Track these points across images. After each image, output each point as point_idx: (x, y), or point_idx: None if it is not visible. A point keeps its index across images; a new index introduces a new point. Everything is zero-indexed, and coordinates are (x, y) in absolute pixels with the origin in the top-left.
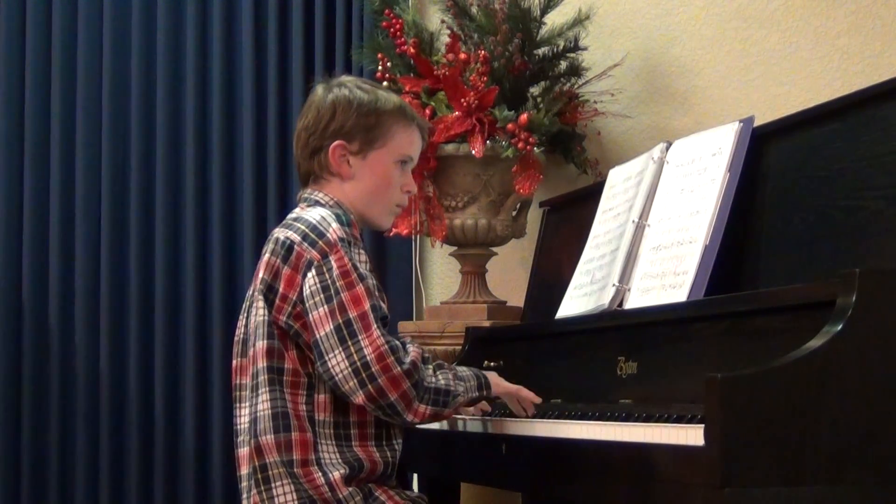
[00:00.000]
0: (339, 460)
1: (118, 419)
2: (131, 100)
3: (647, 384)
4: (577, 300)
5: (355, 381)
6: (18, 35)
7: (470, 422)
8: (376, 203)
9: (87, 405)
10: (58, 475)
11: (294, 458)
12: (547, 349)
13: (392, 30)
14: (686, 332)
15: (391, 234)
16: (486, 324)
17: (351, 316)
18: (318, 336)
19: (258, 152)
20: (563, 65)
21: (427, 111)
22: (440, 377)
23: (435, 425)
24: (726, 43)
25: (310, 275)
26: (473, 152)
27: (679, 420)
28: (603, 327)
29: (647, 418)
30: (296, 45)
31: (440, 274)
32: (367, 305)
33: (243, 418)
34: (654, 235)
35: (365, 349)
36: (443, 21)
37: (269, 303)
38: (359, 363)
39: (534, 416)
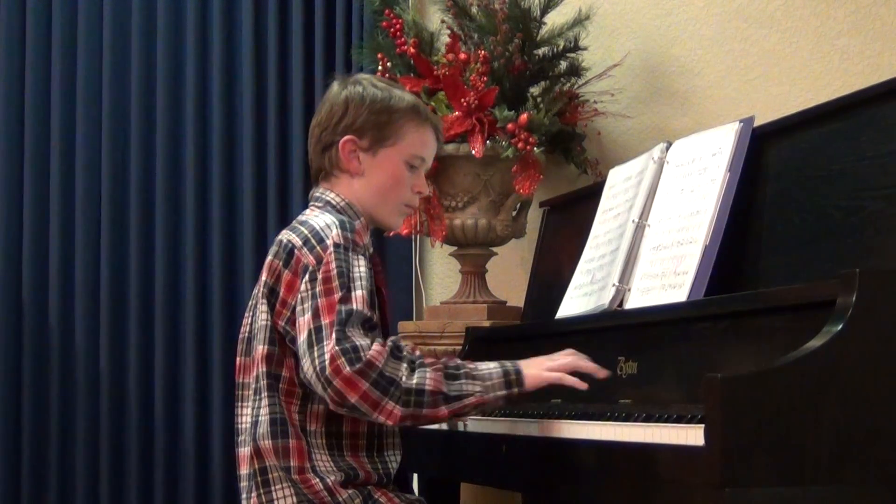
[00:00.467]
0: (333, 468)
1: (118, 419)
2: (131, 100)
3: (647, 384)
4: (577, 300)
5: (319, 385)
6: (18, 35)
7: (470, 422)
8: (385, 202)
9: (87, 405)
10: (58, 475)
11: (292, 464)
12: (547, 349)
13: (392, 30)
14: (686, 332)
15: (391, 234)
16: (486, 324)
17: (323, 323)
18: (298, 343)
19: (258, 152)
20: (563, 65)
21: None
22: (416, 378)
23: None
24: (726, 43)
25: (304, 280)
26: (473, 152)
27: (679, 420)
28: (603, 327)
29: (647, 418)
30: (296, 45)
31: (440, 274)
32: (335, 313)
33: (245, 417)
34: (654, 235)
35: (324, 354)
36: (443, 21)
37: (271, 306)
38: (318, 368)
39: (534, 416)
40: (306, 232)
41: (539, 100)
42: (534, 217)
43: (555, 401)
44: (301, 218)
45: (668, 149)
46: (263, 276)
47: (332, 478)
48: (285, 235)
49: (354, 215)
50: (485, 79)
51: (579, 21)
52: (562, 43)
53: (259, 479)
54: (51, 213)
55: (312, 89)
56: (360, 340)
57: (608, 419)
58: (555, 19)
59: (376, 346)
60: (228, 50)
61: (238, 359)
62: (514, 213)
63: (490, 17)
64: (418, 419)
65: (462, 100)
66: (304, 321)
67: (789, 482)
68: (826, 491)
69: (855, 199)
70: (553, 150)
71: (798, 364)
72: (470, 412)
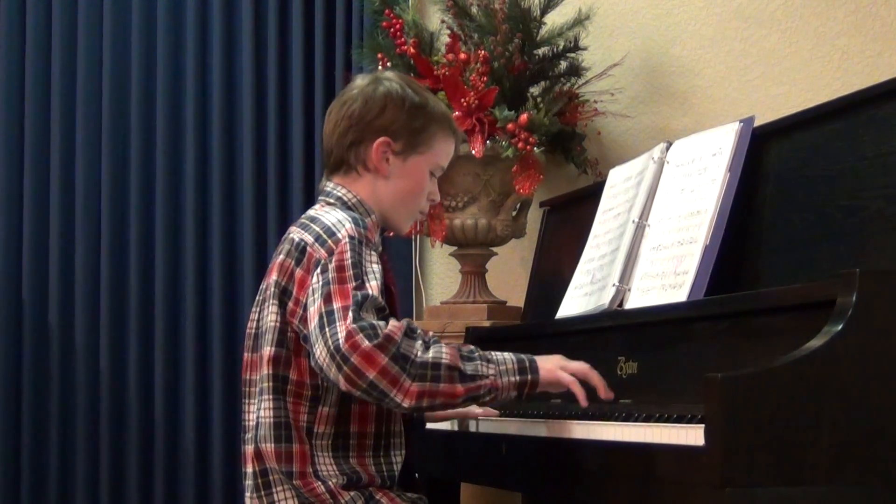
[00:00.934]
0: (336, 471)
1: (118, 419)
2: (131, 100)
3: (647, 384)
4: (578, 300)
5: (334, 366)
6: (18, 35)
7: (470, 421)
8: (404, 207)
9: (87, 405)
10: (58, 475)
11: (293, 469)
12: (547, 349)
13: (392, 30)
14: (686, 332)
15: (391, 234)
16: (486, 324)
17: (335, 306)
18: (309, 331)
19: (258, 152)
20: (563, 65)
21: None
22: (432, 352)
23: (436, 424)
24: (726, 43)
25: (315, 272)
26: (473, 152)
27: (679, 420)
28: (603, 327)
29: (648, 418)
30: (296, 45)
31: (440, 274)
32: (351, 298)
33: (251, 415)
34: (655, 235)
35: (339, 332)
36: (443, 21)
37: (283, 305)
38: (332, 347)
39: (534, 416)
40: (318, 229)
41: (539, 100)
42: (534, 217)
43: (555, 401)
44: (311, 214)
45: (668, 149)
46: (274, 276)
47: (335, 481)
48: (297, 234)
49: (366, 213)
50: (485, 79)
51: (579, 21)
52: (562, 43)
53: (260, 480)
54: (51, 213)
55: (312, 89)
56: (376, 321)
57: (608, 419)
58: (555, 19)
59: (393, 322)
60: (228, 50)
61: (245, 354)
62: (514, 213)
63: (490, 17)
64: (434, 397)
65: (462, 100)
66: (315, 308)
67: (789, 482)
68: (826, 491)
69: (855, 199)
70: (553, 150)
71: (798, 364)
72: (484, 396)
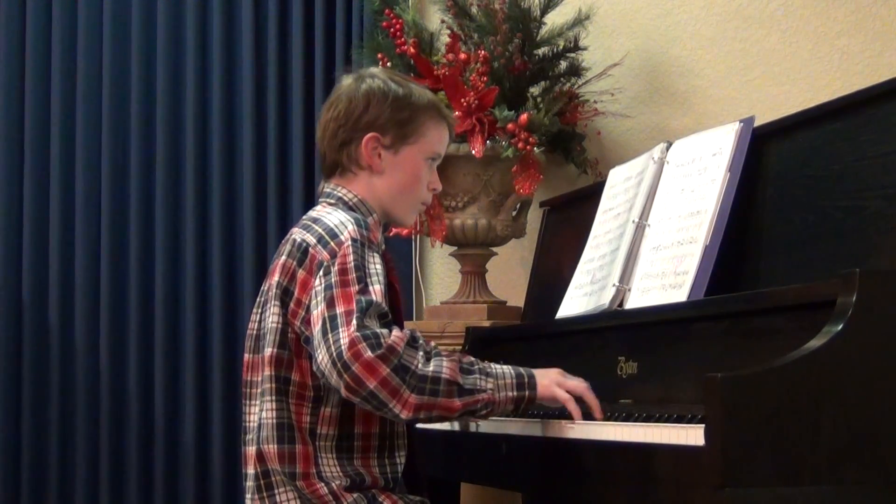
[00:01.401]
0: (340, 473)
1: (118, 419)
2: (131, 100)
3: (647, 384)
4: (578, 300)
5: (335, 373)
6: (18, 35)
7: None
8: (403, 200)
9: (87, 405)
10: (58, 475)
11: (297, 470)
12: (547, 349)
13: (392, 30)
14: (686, 332)
15: (391, 233)
16: (486, 324)
17: (338, 311)
18: (311, 335)
19: (258, 152)
20: (563, 65)
21: None
22: (432, 365)
23: (436, 424)
24: (726, 43)
25: (318, 275)
26: (473, 152)
27: (679, 420)
28: (603, 327)
29: (648, 418)
30: (296, 45)
31: (440, 274)
32: (354, 302)
33: (252, 416)
34: (655, 235)
35: (341, 339)
36: (443, 21)
37: (285, 306)
38: (335, 354)
39: (534, 416)
40: (320, 230)
41: (539, 100)
42: (534, 217)
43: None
44: (313, 215)
45: (668, 149)
46: (276, 277)
47: (338, 482)
48: (298, 234)
49: (367, 212)
50: (485, 79)
51: (579, 21)
52: (562, 43)
53: (262, 482)
54: (51, 213)
55: (312, 89)
56: (380, 329)
57: (608, 419)
58: (555, 19)
59: (396, 332)
60: (228, 50)
61: (246, 355)
62: (514, 213)
63: (490, 17)
64: (432, 410)
65: (462, 100)
66: (318, 312)
67: (789, 482)
68: (826, 491)
69: (855, 199)
70: (553, 150)
71: (798, 364)
72: (480, 410)
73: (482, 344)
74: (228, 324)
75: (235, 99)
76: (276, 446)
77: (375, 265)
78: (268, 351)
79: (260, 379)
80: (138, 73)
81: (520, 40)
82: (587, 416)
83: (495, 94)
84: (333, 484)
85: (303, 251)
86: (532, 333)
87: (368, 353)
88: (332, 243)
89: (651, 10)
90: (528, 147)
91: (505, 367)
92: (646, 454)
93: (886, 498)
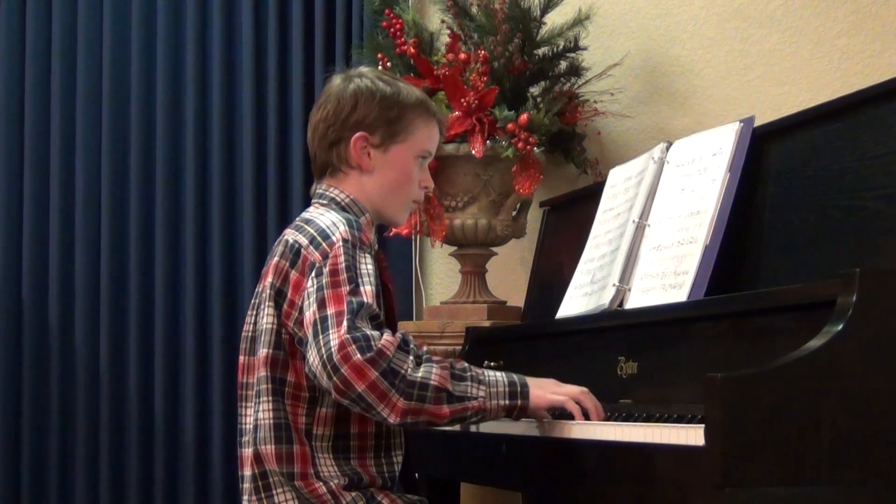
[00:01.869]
0: (338, 472)
1: (118, 419)
2: (131, 100)
3: (647, 384)
4: (578, 300)
5: (325, 375)
6: (18, 35)
7: None
8: (394, 198)
9: (87, 405)
10: (58, 475)
11: (295, 470)
12: (547, 349)
13: (392, 30)
14: (686, 332)
15: (391, 234)
16: (486, 324)
17: (329, 312)
18: (303, 336)
19: (258, 152)
20: (563, 65)
21: None
22: (422, 371)
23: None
24: (726, 43)
25: (310, 276)
26: (473, 152)
27: (679, 420)
28: (603, 327)
29: (648, 418)
30: (296, 45)
31: (440, 274)
32: (345, 303)
33: (248, 418)
34: (655, 235)
35: (331, 341)
36: (443, 21)
37: (279, 308)
38: (325, 356)
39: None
40: (312, 231)
41: (539, 100)
42: (534, 217)
43: None
44: (305, 216)
45: (668, 149)
46: (269, 278)
47: (336, 482)
48: (291, 236)
49: (359, 212)
50: (485, 79)
51: (579, 21)
52: (562, 43)
53: (260, 483)
54: (51, 213)
55: (312, 89)
56: (371, 332)
57: (608, 419)
58: (555, 19)
59: (387, 336)
60: (228, 50)
61: (241, 357)
62: (514, 213)
63: (490, 17)
64: (419, 415)
65: (462, 100)
66: (310, 313)
67: (789, 482)
68: (826, 491)
69: (855, 199)
70: (553, 150)
71: (798, 364)
72: (471, 417)
73: (482, 344)
74: (228, 324)
75: (235, 99)
76: (273, 447)
77: (367, 266)
78: (262, 352)
79: (255, 380)
80: (138, 73)
81: (520, 40)
82: (586, 417)
83: (495, 94)
84: (332, 483)
85: (295, 252)
86: (532, 333)
87: (357, 357)
88: (323, 244)
89: (651, 10)
90: (528, 147)
91: (499, 373)
92: (646, 454)
93: (886, 498)
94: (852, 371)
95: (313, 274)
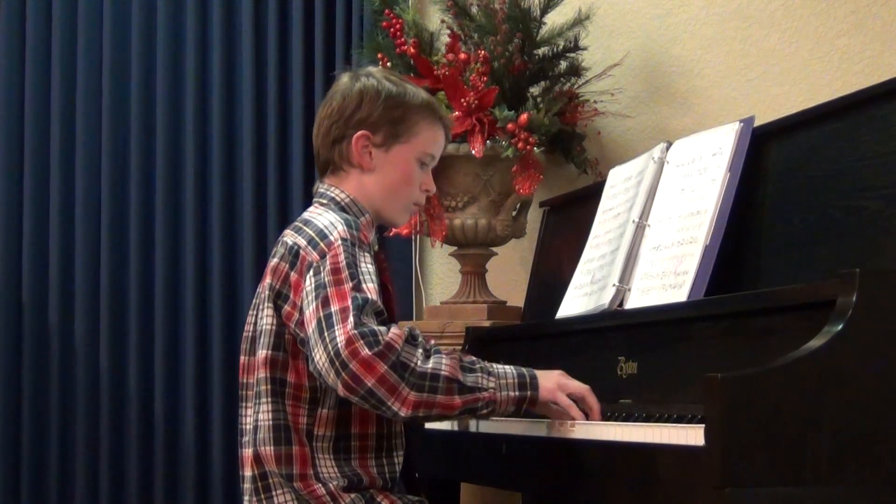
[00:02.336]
0: (338, 474)
1: (118, 419)
2: (131, 100)
3: (647, 384)
4: (578, 300)
5: (332, 372)
6: (18, 35)
7: (471, 421)
8: (394, 199)
9: (87, 405)
10: (58, 475)
11: (294, 471)
12: (547, 349)
13: (392, 30)
14: (686, 332)
15: (391, 234)
16: (486, 324)
17: (333, 309)
18: (307, 335)
19: (258, 152)
20: (563, 65)
21: None
22: (432, 362)
23: (436, 424)
24: (726, 43)
25: (308, 276)
26: (473, 152)
27: (679, 420)
28: (603, 327)
29: (648, 418)
30: (296, 45)
31: (440, 274)
32: (349, 299)
33: (248, 418)
34: (655, 235)
35: (338, 337)
36: (443, 21)
37: (278, 309)
38: (332, 352)
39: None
40: (311, 232)
41: (539, 100)
42: (534, 217)
43: None
44: (305, 217)
45: (668, 149)
46: (268, 279)
47: (336, 483)
48: (290, 237)
49: (359, 212)
50: (485, 79)
51: (579, 21)
52: (562, 43)
53: (259, 483)
54: (51, 213)
55: (312, 89)
56: (377, 327)
57: (608, 419)
58: (555, 19)
59: (395, 329)
60: (228, 50)
61: (242, 358)
62: (514, 213)
63: (490, 17)
64: (431, 408)
65: (462, 100)
66: (311, 312)
67: (789, 482)
68: (826, 491)
69: (855, 199)
70: (553, 150)
71: (798, 364)
72: (482, 409)
73: (482, 344)
74: (228, 324)
75: (235, 99)
76: (272, 448)
77: (367, 264)
78: (262, 353)
79: (255, 381)
80: (138, 73)
81: (520, 40)
82: (586, 417)
83: (495, 94)
84: (331, 484)
85: (294, 254)
86: (532, 333)
87: (366, 351)
88: (321, 244)
89: (651, 10)
90: (528, 147)
91: (507, 366)
92: (646, 454)
93: (886, 498)
94: (852, 371)
95: (311, 273)
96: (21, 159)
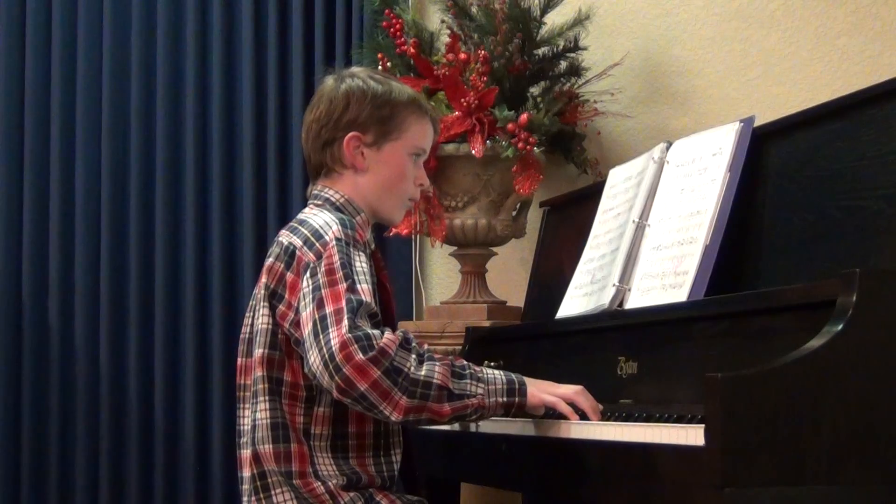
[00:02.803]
0: (336, 472)
1: (118, 419)
2: (131, 100)
3: (647, 384)
4: (578, 300)
5: (326, 374)
6: (18, 35)
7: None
8: (389, 196)
9: (87, 405)
10: (58, 475)
11: (292, 469)
12: (547, 349)
13: (392, 30)
14: (686, 332)
15: (391, 233)
16: (486, 324)
17: (328, 311)
18: (302, 337)
19: (258, 152)
20: (563, 65)
21: None
22: (424, 369)
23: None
24: (726, 43)
25: (305, 276)
26: (473, 152)
27: (679, 420)
28: (603, 327)
29: (648, 418)
30: (296, 45)
31: (440, 274)
32: (343, 301)
33: (245, 419)
34: (655, 235)
35: (332, 340)
36: (443, 21)
37: (273, 309)
38: (326, 355)
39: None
40: (306, 232)
41: (539, 100)
42: (534, 217)
43: None
44: (300, 217)
45: (668, 149)
46: (263, 279)
47: (334, 481)
48: (286, 237)
49: (354, 211)
50: (485, 79)
51: (579, 21)
52: (562, 43)
53: (258, 483)
54: (51, 213)
55: (312, 89)
56: (372, 330)
57: (608, 419)
58: (555, 19)
59: (388, 335)
60: (228, 50)
61: (239, 359)
62: (514, 213)
63: (490, 17)
64: (421, 413)
65: (462, 100)
66: (307, 314)
67: (789, 482)
68: (826, 491)
69: (855, 199)
70: (553, 150)
71: (798, 364)
72: (471, 416)
73: (482, 344)
74: (228, 324)
75: (235, 99)
76: (271, 446)
77: (362, 264)
78: (258, 352)
79: (252, 381)
80: (138, 73)
81: (520, 40)
82: (584, 417)
83: (495, 94)
84: (330, 483)
85: (290, 254)
86: (532, 333)
87: (360, 356)
88: (317, 244)
89: (651, 10)
90: (528, 147)
91: (497, 372)
92: (646, 454)
93: (886, 498)
94: (852, 371)
95: (308, 274)
96: (21, 159)
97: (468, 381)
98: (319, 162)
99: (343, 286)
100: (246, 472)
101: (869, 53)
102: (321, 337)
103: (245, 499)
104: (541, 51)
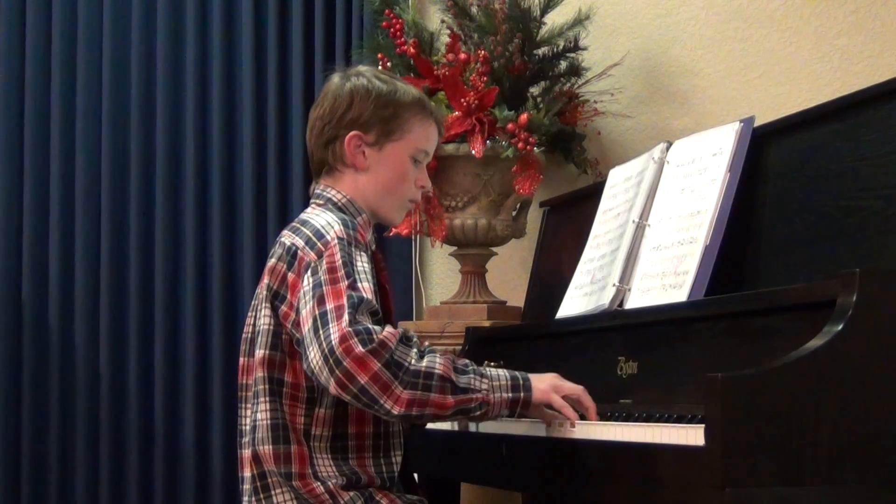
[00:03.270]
0: (336, 473)
1: (118, 419)
2: (131, 100)
3: (647, 384)
4: (578, 300)
5: (326, 369)
6: (18, 35)
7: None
8: (390, 197)
9: (87, 405)
10: (58, 475)
11: (292, 470)
12: (547, 349)
13: (392, 30)
14: (686, 332)
15: (391, 233)
16: (486, 324)
17: (328, 307)
18: (302, 334)
19: (258, 152)
20: (563, 65)
21: None
22: (425, 361)
23: (436, 424)
24: (726, 43)
25: (306, 276)
26: (473, 152)
27: (680, 420)
28: (603, 327)
29: (648, 418)
30: (296, 45)
31: (440, 274)
32: (344, 298)
33: (247, 419)
34: (655, 235)
35: (332, 335)
36: (443, 21)
37: (275, 310)
38: (326, 350)
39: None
40: (308, 232)
41: (539, 100)
42: (534, 217)
43: None
44: (302, 217)
45: (668, 149)
46: (265, 279)
47: (334, 481)
48: (288, 238)
49: (356, 212)
50: (485, 79)
51: (579, 21)
52: (562, 43)
53: (258, 483)
54: (51, 213)
55: (312, 89)
56: (372, 325)
57: (609, 419)
58: (555, 19)
59: (388, 328)
60: (228, 50)
61: (241, 359)
62: (514, 213)
63: (490, 17)
64: (424, 406)
65: (462, 100)
66: (307, 311)
67: (789, 482)
68: (826, 491)
69: (855, 199)
70: (553, 150)
71: (798, 364)
72: (475, 411)
73: (482, 344)
74: (228, 324)
75: (235, 98)
76: (271, 447)
77: (363, 263)
78: (259, 353)
79: (253, 381)
80: (138, 73)
81: (520, 40)
82: (583, 418)
83: (495, 94)
84: (330, 483)
85: (292, 254)
86: (532, 333)
87: (360, 349)
88: (318, 244)
89: (651, 10)
90: (528, 147)
91: (500, 369)
92: (646, 454)
93: (886, 498)
94: (852, 371)
95: (308, 273)
96: (21, 159)
97: (471, 375)
98: (322, 160)
99: (344, 284)
100: (246, 473)
101: (869, 53)
102: (321, 332)
103: (245, 499)
104: (541, 51)
